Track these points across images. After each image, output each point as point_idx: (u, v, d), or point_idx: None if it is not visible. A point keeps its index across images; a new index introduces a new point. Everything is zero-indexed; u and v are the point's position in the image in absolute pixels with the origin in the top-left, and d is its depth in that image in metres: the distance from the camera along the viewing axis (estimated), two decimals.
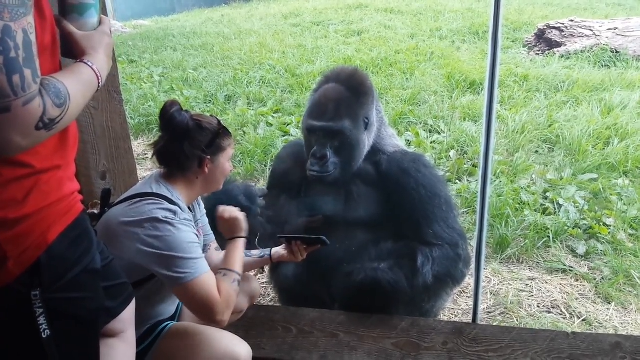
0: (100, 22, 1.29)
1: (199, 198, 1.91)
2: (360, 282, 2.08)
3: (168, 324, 1.77)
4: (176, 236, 1.56)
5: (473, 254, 2.19)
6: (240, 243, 1.78)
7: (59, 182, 1.19)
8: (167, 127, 1.69)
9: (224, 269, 1.69)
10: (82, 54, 1.21)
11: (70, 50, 1.23)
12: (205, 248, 1.93)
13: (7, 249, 1.10)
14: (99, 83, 1.20)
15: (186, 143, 1.66)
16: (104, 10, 1.98)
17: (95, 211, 1.75)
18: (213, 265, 1.87)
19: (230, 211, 1.81)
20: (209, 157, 1.69)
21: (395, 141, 2.44)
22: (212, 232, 1.97)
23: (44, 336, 1.16)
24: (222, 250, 1.95)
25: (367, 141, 2.29)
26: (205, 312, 1.60)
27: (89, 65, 1.19)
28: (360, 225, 2.28)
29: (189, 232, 1.61)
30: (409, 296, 2.13)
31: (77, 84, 1.13)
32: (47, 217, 1.15)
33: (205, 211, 1.95)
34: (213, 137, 1.69)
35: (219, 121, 1.74)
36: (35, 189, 1.12)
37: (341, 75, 2.28)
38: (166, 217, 1.57)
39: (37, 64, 1.02)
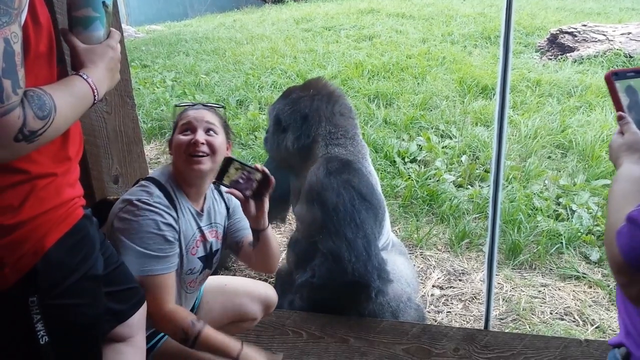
0: (108, 36, 1.26)
1: (225, 197, 1.85)
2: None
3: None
4: (137, 223, 1.55)
5: (485, 260, 2.17)
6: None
7: (57, 188, 1.18)
8: None
9: (202, 330, 1.59)
10: (81, 67, 1.19)
11: (73, 64, 1.22)
12: (239, 244, 1.86)
13: (3, 255, 1.10)
14: (94, 96, 1.17)
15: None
16: (117, 15, 2.00)
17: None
18: (254, 260, 1.85)
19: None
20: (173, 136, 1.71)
21: (341, 150, 2.35)
22: (245, 227, 1.85)
23: (41, 342, 1.17)
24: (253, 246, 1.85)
25: (281, 137, 2.45)
26: (149, 311, 1.56)
27: (83, 78, 1.15)
28: (302, 223, 2.41)
29: (153, 220, 1.57)
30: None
31: (67, 96, 1.09)
32: (44, 224, 1.15)
33: (236, 207, 1.83)
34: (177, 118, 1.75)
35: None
36: (32, 196, 1.12)
37: (301, 85, 2.60)
38: (138, 200, 1.57)
39: (19, 74, 0.99)
